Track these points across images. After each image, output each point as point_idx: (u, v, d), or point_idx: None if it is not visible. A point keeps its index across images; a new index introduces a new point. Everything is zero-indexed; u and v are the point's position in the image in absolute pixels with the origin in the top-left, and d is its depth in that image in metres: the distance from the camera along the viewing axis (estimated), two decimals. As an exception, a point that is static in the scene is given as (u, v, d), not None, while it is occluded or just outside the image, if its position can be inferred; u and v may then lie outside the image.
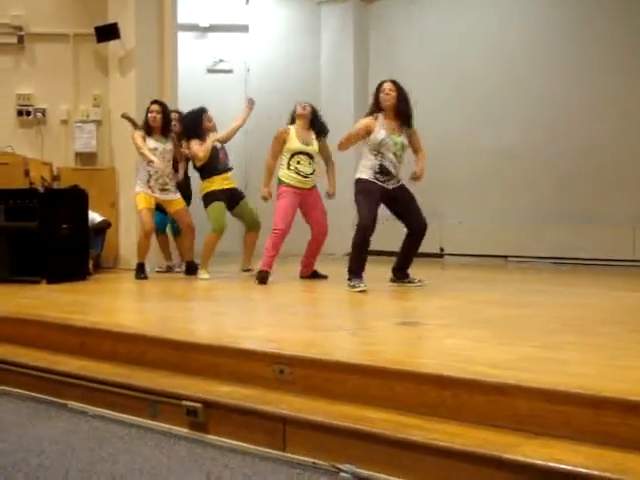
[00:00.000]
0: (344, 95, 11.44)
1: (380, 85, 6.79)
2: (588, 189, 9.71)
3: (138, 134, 7.94)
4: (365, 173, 6.66)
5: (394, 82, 6.76)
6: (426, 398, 3.17)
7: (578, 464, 2.56)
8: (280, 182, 7.44)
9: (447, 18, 10.89)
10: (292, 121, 7.58)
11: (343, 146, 6.83)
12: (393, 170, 6.70)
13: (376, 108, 6.75)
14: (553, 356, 3.59)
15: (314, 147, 7.52)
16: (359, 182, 6.70)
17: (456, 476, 2.79)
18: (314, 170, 7.53)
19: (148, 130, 7.93)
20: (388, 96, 6.68)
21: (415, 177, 6.79)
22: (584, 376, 3.10)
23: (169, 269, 8.59)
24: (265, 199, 7.52)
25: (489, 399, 3.00)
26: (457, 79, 10.66)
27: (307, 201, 7.50)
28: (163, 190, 7.92)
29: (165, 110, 8.02)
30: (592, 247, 9.48)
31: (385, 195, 6.68)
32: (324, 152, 7.68)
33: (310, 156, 7.48)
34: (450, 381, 3.14)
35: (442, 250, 10.58)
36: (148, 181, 7.88)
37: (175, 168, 8.11)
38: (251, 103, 7.98)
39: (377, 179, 6.64)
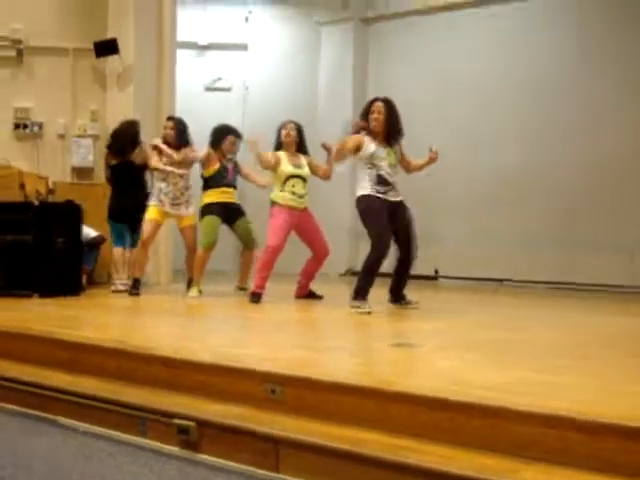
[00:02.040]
0: (342, 114, 11.43)
1: (370, 104, 6.71)
2: (585, 214, 9.71)
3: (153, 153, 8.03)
4: (365, 188, 6.55)
5: (385, 101, 6.67)
6: (421, 420, 3.12)
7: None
8: (274, 203, 7.34)
9: (446, 39, 10.91)
10: (278, 146, 7.52)
11: (336, 157, 6.81)
12: (390, 179, 6.61)
13: (365, 125, 6.66)
14: (550, 380, 3.55)
15: (306, 170, 7.48)
16: (362, 199, 6.56)
17: (451, 501, 2.74)
18: (307, 192, 7.49)
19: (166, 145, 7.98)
20: (377, 120, 6.59)
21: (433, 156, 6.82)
22: (582, 401, 3.06)
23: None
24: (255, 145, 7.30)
25: (486, 423, 2.95)
26: (456, 100, 10.67)
27: (303, 223, 7.42)
28: (174, 205, 7.91)
29: (179, 125, 8.02)
30: (588, 272, 9.46)
31: (389, 210, 6.55)
32: (318, 171, 7.62)
33: (304, 179, 7.44)
34: (445, 404, 3.09)
35: (437, 272, 10.54)
36: (159, 195, 7.89)
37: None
38: None
39: (378, 191, 6.53)
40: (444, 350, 4.56)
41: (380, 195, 6.55)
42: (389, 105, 6.66)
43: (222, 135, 8.02)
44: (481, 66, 10.54)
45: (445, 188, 10.21)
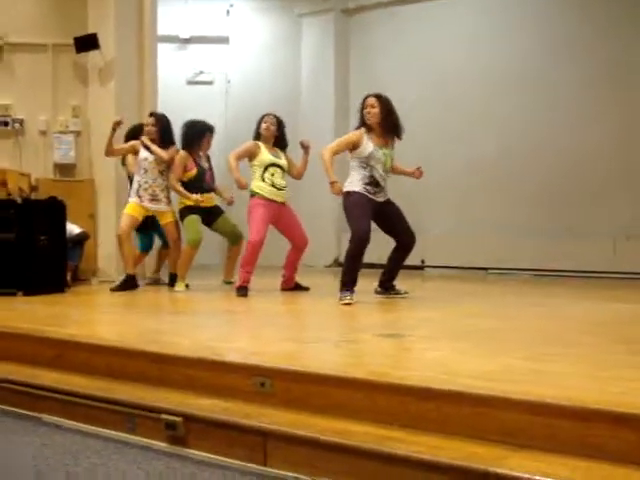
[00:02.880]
0: (325, 106, 11.44)
1: (364, 100, 6.73)
2: (568, 201, 9.74)
3: (131, 144, 7.99)
4: (355, 185, 6.57)
5: (377, 96, 6.67)
6: (409, 410, 3.13)
7: (565, 477, 2.52)
8: (253, 194, 7.34)
9: (429, 30, 10.90)
10: (257, 137, 7.51)
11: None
12: (382, 182, 6.66)
13: (362, 123, 6.70)
14: (538, 367, 3.56)
15: (284, 161, 7.50)
16: (349, 195, 6.58)
17: (441, 490, 2.74)
18: (286, 184, 7.49)
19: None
20: (370, 114, 6.61)
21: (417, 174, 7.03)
22: (570, 388, 3.06)
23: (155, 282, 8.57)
24: (243, 187, 7.35)
25: (474, 411, 2.96)
26: (438, 91, 10.67)
27: (282, 217, 7.44)
28: (153, 200, 7.84)
29: (161, 121, 7.96)
30: (571, 259, 9.49)
31: (375, 209, 6.61)
32: (292, 169, 7.63)
33: (282, 169, 7.45)
34: (434, 393, 3.09)
35: (423, 262, 10.56)
36: (138, 190, 7.84)
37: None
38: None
39: (367, 191, 6.56)
40: (432, 340, 4.56)
41: (369, 195, 6.57)
42: (381, 99, 6.67)
43: (201, 135, 7.97)
44: (464, 56, 10.52)
45: (429, 178, 10.15)
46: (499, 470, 2.63)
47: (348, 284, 6.48)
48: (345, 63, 11.72)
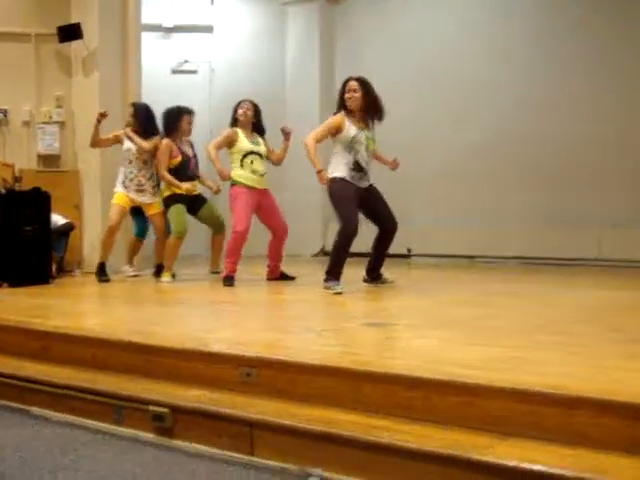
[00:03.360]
0: (310, 96, 11.40)
1: (345, 83, 6.70)
2: (555, 189, 9.74)
3: (115, 134, 8.01)
4: (340, 170, 6.56)
5: (359, 80, 6.65)
6: (395, 399, 3.14)
7: (552, 465, 2.53)
8: (234, 182, 7.32)
9: (414, 18, 10.86)
10: (234, 123, 7.50)
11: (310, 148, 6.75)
12: (365, 166, 6.66)
13: (343, 106, 6.69)
14: (524, 356, 3.57)
15: (262, 147, 7.50)
16: (336, 182, 6.56)
17: (426, 478, 2.75)
18: (266, 170, 7.49)
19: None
20: (352, 98, 6.60)
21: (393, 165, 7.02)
22: (557, 376, 3.07)
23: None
24: (226, 178, 7.37)
25: (460, 400, 2.97)
26: (424, 80, 10.65)
27: (264, 204, 7.42)
28: (139, 191, 7.84)
29: (140, 111, 7.95)
30: (558, 247, 9.52)
31: (359, 195, 6.61)
32: (271, 155, 7.61)
33: (261, 156, 7.44)
34: (420, 382, 3.10)
35: (409, 250, 10.57)
36: (124, 181, 7.83)
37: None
38: None
39: (352, 177, 6.56)
40: (418, 328, 4.57)
41: (353, 182, 6.56)
42: (363, 83, 6.65)
43: (178, 117, 7.89)
44: (450, 44, 10.48)
45: (415, 166, 10.17)
46: (485, 458, 2.64)
47: (335, 274, 6.50)
48: (331, 52, 11.68)
